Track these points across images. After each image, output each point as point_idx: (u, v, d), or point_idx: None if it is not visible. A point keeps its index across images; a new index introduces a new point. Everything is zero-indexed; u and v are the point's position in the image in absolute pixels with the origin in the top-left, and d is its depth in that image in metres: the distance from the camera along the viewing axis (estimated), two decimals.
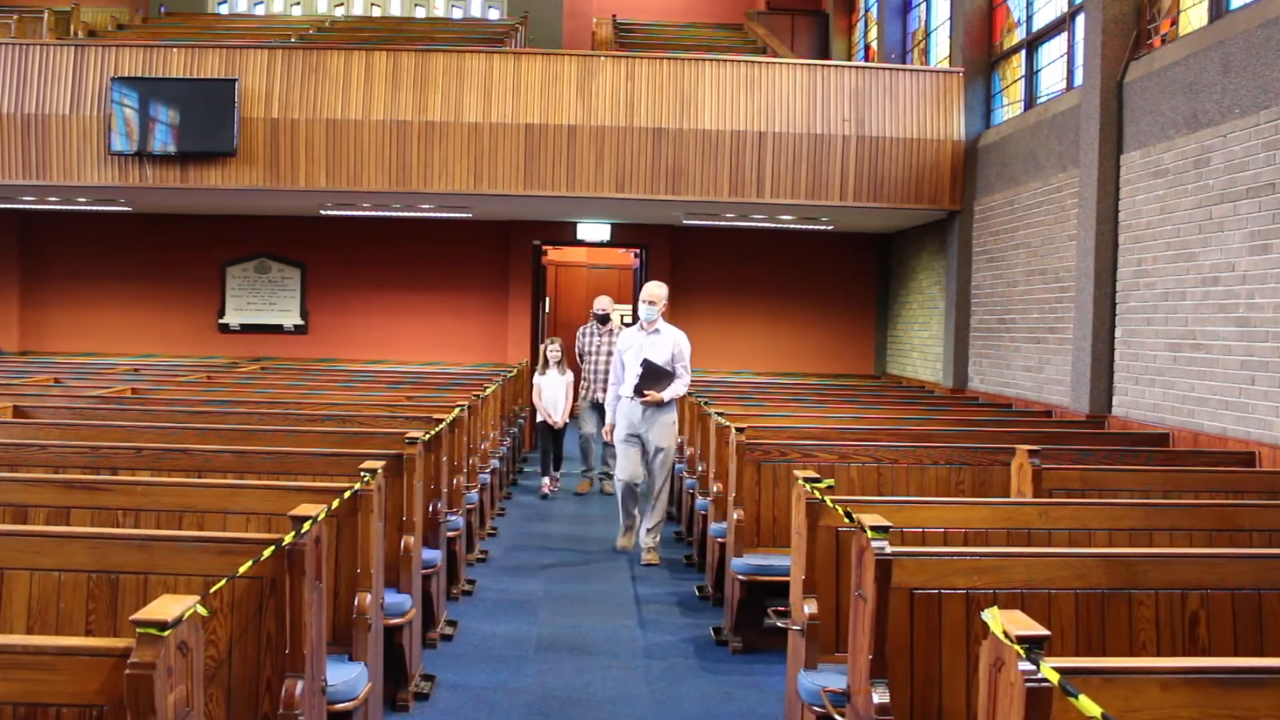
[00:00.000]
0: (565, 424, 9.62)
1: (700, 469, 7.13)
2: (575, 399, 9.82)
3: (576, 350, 9.80)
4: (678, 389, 7.10)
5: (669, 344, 7.11)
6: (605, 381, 9.11)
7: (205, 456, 4.65)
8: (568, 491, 9.91)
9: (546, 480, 9.71)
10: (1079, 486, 4.72)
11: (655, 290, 7.29)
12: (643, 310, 7.23)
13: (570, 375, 9.58)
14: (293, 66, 9.86)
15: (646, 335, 7.17)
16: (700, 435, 7.35)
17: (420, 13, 17.14)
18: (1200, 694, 2.05)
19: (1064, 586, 3.00)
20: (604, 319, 9.54)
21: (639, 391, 7.02)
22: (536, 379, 9.65)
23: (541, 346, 9.72)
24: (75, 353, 12.40)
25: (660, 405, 7.06)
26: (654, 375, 7.00)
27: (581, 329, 9.75)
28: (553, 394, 9.47)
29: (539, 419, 9.73)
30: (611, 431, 7.40)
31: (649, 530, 7.20)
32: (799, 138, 9.96)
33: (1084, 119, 7.50)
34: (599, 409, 9.40)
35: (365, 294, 12.84)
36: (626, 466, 7.20)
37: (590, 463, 10.01)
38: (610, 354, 9.05)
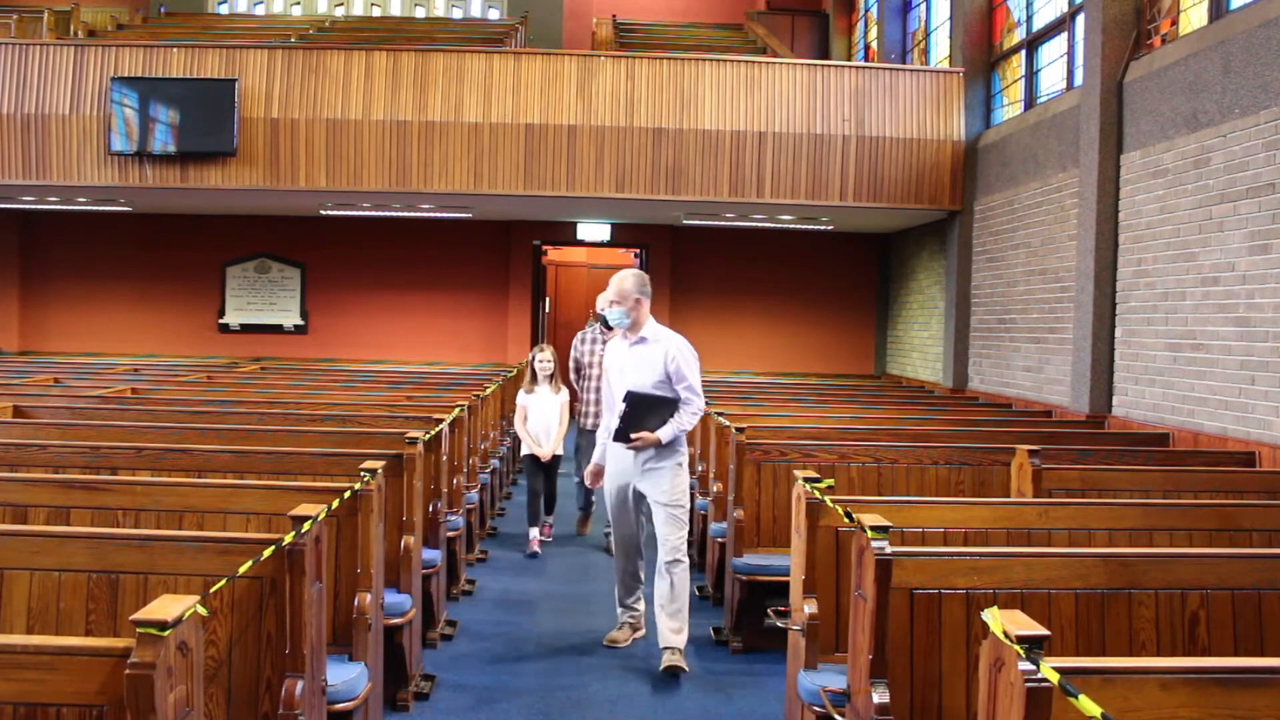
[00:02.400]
0: (560, 455, 7.41)
1: (700, 469, 7.11)
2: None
3: (571, 364, 7.58)
4: (682, 423, 4.91)
5: (659, 358, 4.92)
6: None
7: (205, 456, 4.65)
8: (565, 536, 7.84)
9: (536, 532, 7.34)
10: (1079, 486, 4.72)
11: (623, 284, 4.98)
12: (609, 315, 5.05)
13: (565, 393, 7.37)
14: (293, 66, 9.86)
15: (630, 347, 5.03)
16: (700, 435, 7.32)
17: (420, 13, 17.15)
18: (1200, 694, 2.05)
19: (1064, 586, 3.00)
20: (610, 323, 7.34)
21: (623, 436, 4.89)
22: (522, 399, 7.34)
23: (529, 357, 7.51)
24: (75, 353, 12.41)
25: (660, 447, 4.92)
26: (643, 408, 4.85)
27: (579, 335, 7.64)
28: (543, 417, 7.25)
29: (524, 450, 7.40)
30: (597, 476, 5.30)
31: (672, 629, 4.95)
32: (799, 138, 9.96)
33: (1084, 119, 7.50)
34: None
35: (365, 294, 12.85)
36: (620, 527, 5.23)
37: (591, 501, 7.82)
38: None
